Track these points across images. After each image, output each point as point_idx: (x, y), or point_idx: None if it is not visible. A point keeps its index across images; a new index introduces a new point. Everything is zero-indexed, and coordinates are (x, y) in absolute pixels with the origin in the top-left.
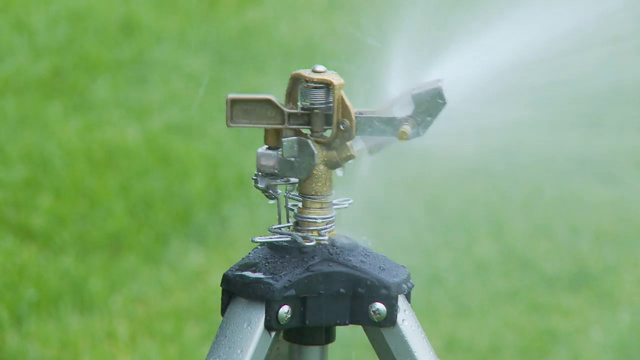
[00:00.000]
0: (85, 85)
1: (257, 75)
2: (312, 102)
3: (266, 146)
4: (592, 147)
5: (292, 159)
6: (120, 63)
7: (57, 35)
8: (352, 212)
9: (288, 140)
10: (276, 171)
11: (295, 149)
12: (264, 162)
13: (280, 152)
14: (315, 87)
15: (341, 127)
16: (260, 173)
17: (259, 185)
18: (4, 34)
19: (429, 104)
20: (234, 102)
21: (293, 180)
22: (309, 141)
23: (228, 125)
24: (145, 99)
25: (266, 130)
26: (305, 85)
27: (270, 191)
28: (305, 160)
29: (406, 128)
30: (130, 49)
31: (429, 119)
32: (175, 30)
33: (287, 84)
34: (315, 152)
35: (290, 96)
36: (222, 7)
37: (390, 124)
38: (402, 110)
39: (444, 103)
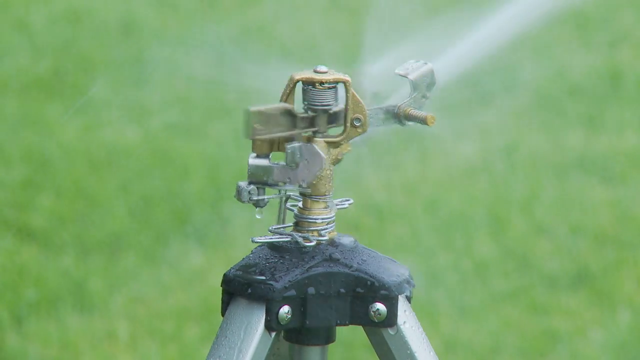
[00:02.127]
0: (85, 86)
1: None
2: (324, 102)
3: (255, 154)
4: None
5: (295, 165)
6: (120, 63)
7: (57, 35)
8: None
9: (292, 146)
10: (271, 180)
11: (299, 155)
12: (260, 171)
13: (275, 160)
14: (330, 88)
15: (355, 123)
16: (254, 184)
17: (254, 198)
18: (4, 34)
19: (424, 86)
20: (253, 114)
21: (289, 186)
22: (315, 146)
23: (248, 138)
24: (145, 99)
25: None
26: (320, 86)
27: (264, 199)
28: (313, 165)
29: (423, 113)
30: (130, 49)
31: (423, 100)
32: (175, 30)
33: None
34: (324, 156)
35: (287, 99)
36: (222, 7)
37: (394, 112)
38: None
39: (434, 83)
